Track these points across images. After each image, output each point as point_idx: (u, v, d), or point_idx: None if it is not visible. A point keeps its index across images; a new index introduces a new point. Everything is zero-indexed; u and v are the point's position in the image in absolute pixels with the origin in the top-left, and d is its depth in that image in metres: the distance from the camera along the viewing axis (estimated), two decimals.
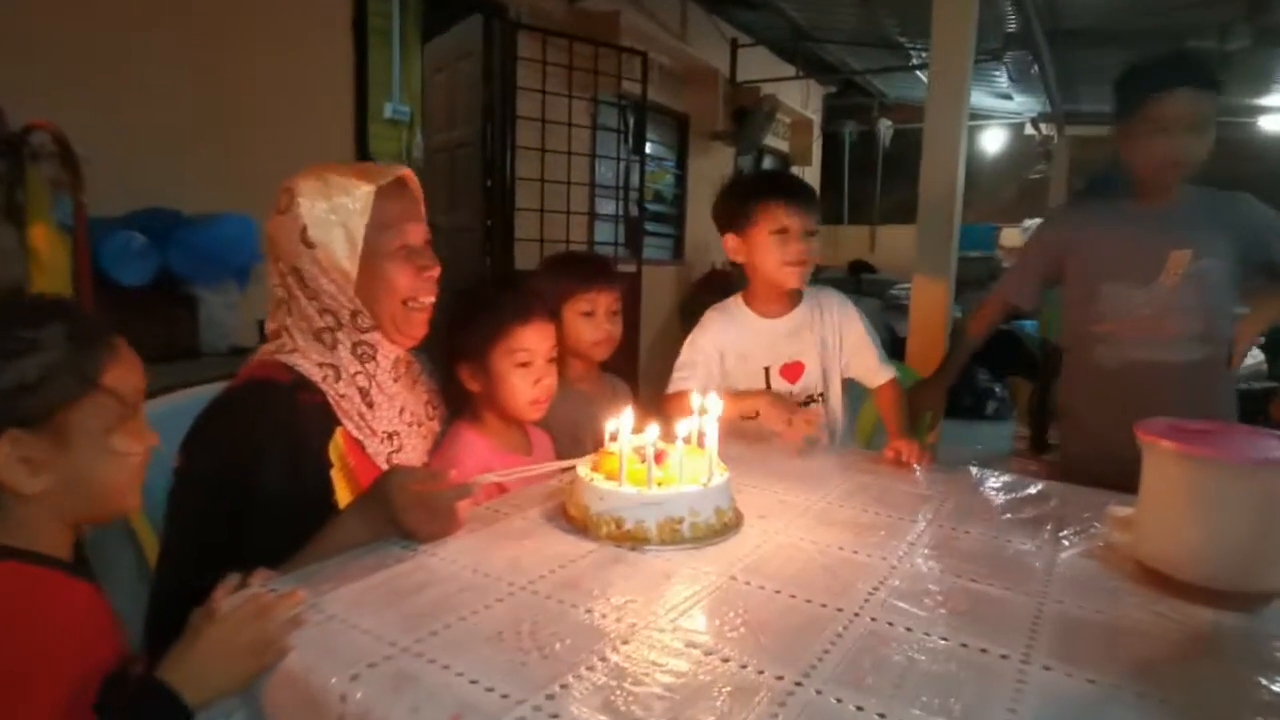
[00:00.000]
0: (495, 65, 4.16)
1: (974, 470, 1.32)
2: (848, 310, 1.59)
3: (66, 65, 2.49)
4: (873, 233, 8.36)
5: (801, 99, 7.21)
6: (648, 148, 5.16)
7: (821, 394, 1.56)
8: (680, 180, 5.99)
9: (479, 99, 4.24)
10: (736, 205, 1.51)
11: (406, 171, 1.08)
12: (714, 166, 6.29)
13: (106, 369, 0.71)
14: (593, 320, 1.47)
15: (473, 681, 0.62)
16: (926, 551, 0.94)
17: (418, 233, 1.07)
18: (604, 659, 0.66)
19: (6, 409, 0.66)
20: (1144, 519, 0.88)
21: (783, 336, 1.54)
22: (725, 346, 1.54)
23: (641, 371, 4.91)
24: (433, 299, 1.09)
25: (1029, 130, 7.36)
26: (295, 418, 0.97)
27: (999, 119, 7.80)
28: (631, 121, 4.95)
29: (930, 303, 2.53)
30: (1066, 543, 0.97)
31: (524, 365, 1.20)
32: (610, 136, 4.79)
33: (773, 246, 1.47)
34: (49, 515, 0.71)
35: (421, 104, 5.97)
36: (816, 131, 7.64)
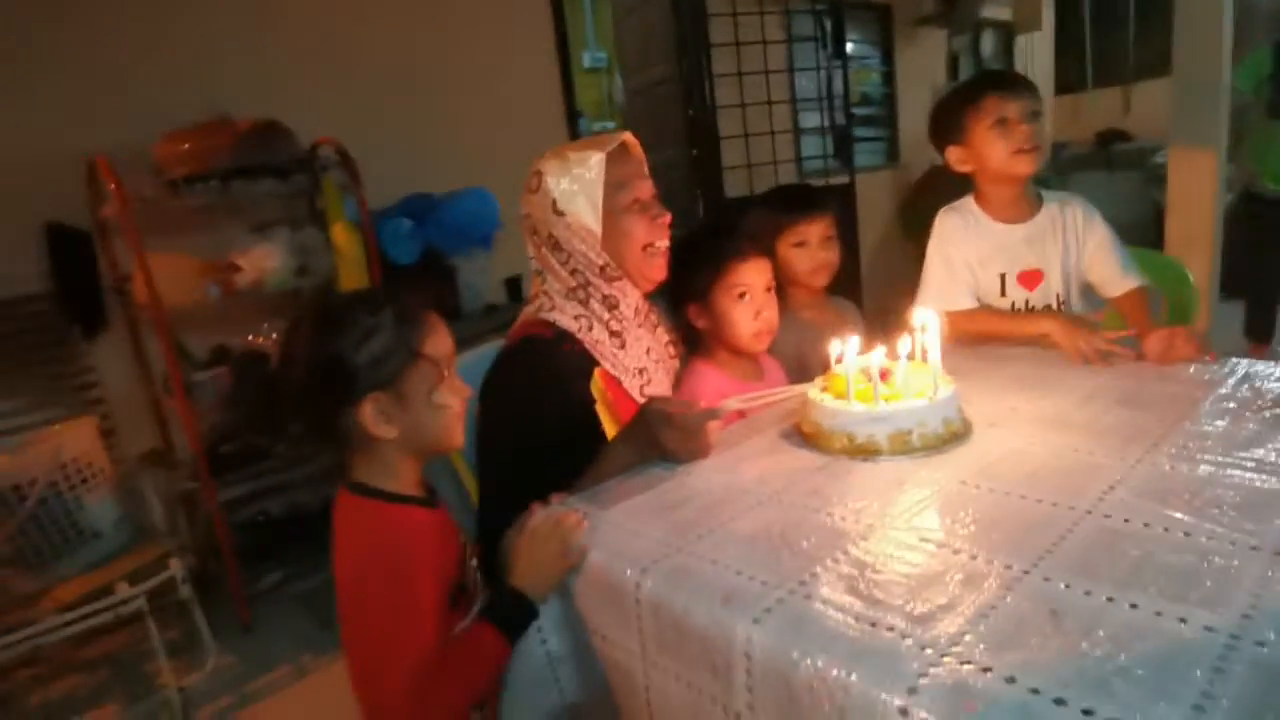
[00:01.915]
0: None
1: (1244, 361, 1.22)
2: (1093, 217, 1.50)
3: (325, 86, 2.92)
4: (1126, 94, 7.24)
5: None
6: (849, 48, 4.90)
7: (1063, 303, 1.51)
8: (887, 78, 5.63)
9: (672, 33, 4.28)
10: (948, 117, 1.49)
11: (628, 136, 1.23)
12: (925, 55, 5.81)
13: (425, 340, 0.93)
14: (806, 250, 1.54)
15: (737, 573, 0.77)
16: (1174, 451, 0.92)
17: (645, 188, 1.23)
18: (846, 553, 0.77)
19: (369, 377, 0.90)
20: None
21: (1021, 243, 1.50)
22: (966, 252, 1.53)
23: (864, 283, 4.80)
24: (667, 243, 1.25)
25: None
26: (561, 365, 1.17)
27: None
28: (828, 25, 4.72)
29: (1193, 175, 2.20)
30: None
31: (742, 298, 1.31)
32: (807, 46, 4.62)
33: (995, 139, 1.43)
34: (402, 455, 0.95)
35: (616, 48, 6.14)
36: None
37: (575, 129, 3.81)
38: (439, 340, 0.95)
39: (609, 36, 6.34)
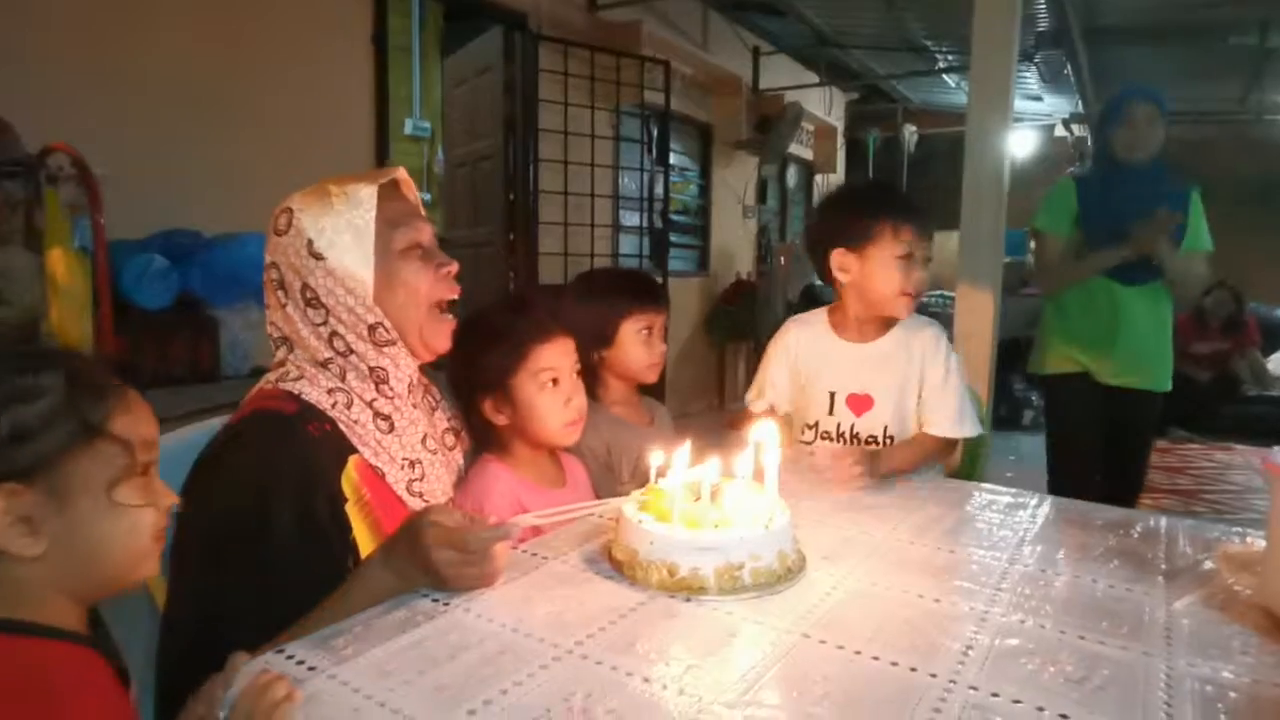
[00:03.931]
0: (516, 78, 4.12)
1: (1049, 499, 1.21)
2: (939, 348, 1.39)
3: (82, 86, 2.46)
4: None
5: (824, 106, 7.12)
6: (671, 159, 5.09)
7: (890, 436, 1.39)
8: (704, 190, 5.92)
9: (500, 112, 4.20)
10: (856, 219, 1.36)
11: (401, 172, 1.02)
12: (737, 176, 6.21)
13: (112, 416, 0.63)
14: (649, 340, 1.39)
15: None
16: (1018, 599, 0.83)
17: (426, 231, 1.00)
18: None
19: (2, 458, 0.58)
20: (1275, 562, 0.78)
21: (859, 363, 1.41)
22: (799, 364, 1.46)
23: (668, 384, 4.82)
24: (457, 297, 1.02)
25: (1060, 132, 7.20)
26: (304, 450, 0.88)
27: (1028, 121, 7.64)
28: (655, 132, 4.88)
29: (977, 313, 2.42)
30: (1178, 587, 0.86)
31: (554, 384, 1.12)
32: (633, 148, 4.73)
33: (894, 272, 1.32)
34: (52, 585, 0.63)
35: (442, 118, 5.96)
36: (840, 138, 7.53)
37: None
38: (135, 422, 0.65)
39: (436, 108, 6.16)
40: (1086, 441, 2.26)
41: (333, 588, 0.82)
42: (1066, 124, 7.04)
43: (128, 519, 0.63)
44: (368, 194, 0.93)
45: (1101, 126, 2.28)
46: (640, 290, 1.42)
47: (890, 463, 1.30)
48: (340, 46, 3.35)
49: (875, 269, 1.34)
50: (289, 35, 3.09)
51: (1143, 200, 2.08)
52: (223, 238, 2.57)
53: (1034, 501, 1.20)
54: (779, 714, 0.61)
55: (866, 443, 1.39)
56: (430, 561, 0.79)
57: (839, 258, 1.37)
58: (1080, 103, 6.10)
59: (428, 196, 6.27)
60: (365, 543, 0.90)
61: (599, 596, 0.82)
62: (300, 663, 0.68)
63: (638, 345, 1.38)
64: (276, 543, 0.82)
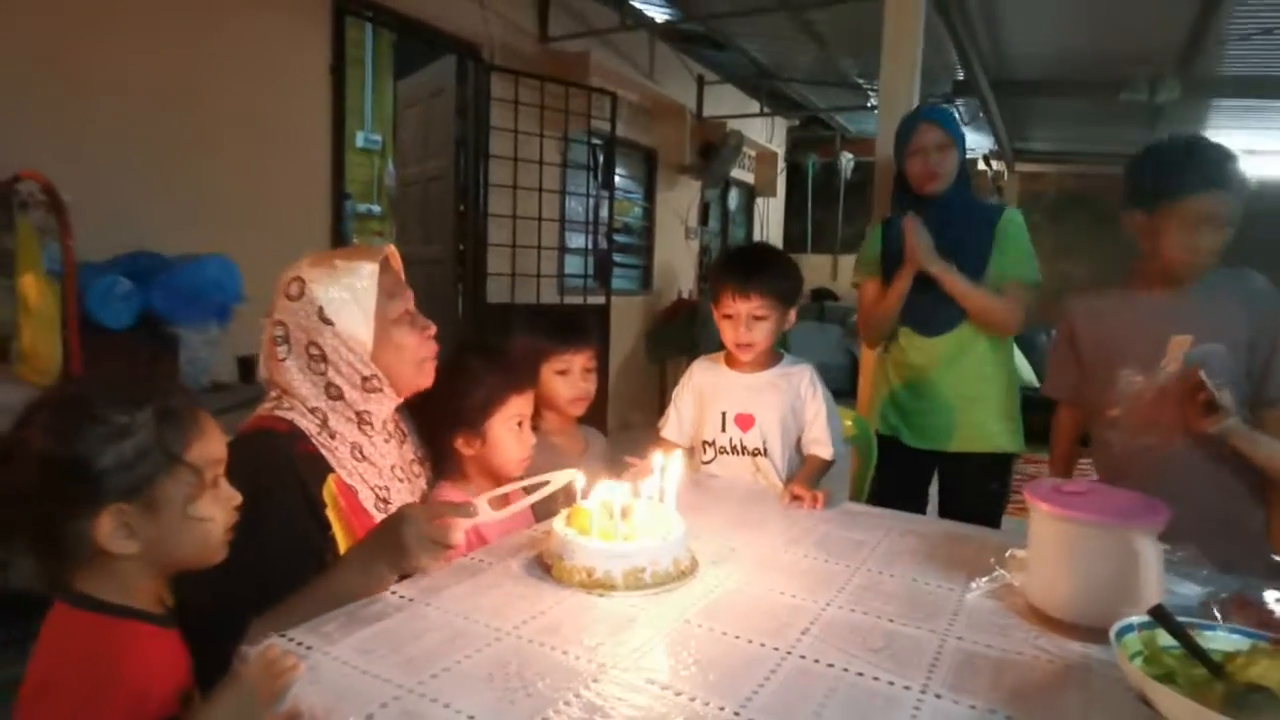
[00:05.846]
0: (469, 104, 4.29)
1: (905, 515, 1.48)
2: (815, 388, 1.70)
3: (47, 115, 2.57)
4: (835, 261, 8.63)
5: (766, 132, 7.47)
6: (616, 182, 5.34)
7: (768, 449, 1.69)
8: (647, 212, 6.17)
9: (452, 133, 4.37)
10: (711, 281, 1.73)
11: (391, 248, 1.24)
12: (681, 199, 6.49)
13: (189, 445, 0.83)
14: (569, 379, 1.61)
15: (470, 717, 0.76)
16: (853, 594, 1.09)
17: (410, 297, 1.24)
18: (578, 695, 0.80)
19: (112, 485, 0.78)
20: (1031, 565, 1.05)
21: (745, 388, 1.72)
22: (699, 391, 1.76)
23: (610, 399, 5.04)
24: (436, 350, 1.26)
25: (981, 166, 7.71)
26: (293, 461, 1.11)
27: None
28: (601, 158, 5.11)
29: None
30: (974, 584, 1.13)
31: (520, 427, 1.37)
32: (580, 172, 4.95)
33: (725, 327, 1.68)
34: (142, 570, 0.83)
35: (393, 133, 6.07)
36: (780, 163, 7.90)
37: (340, 210, 3.67)
38: (208, 444, 0.86)
39: (387, 121, 6.28)
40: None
41: (315, 570, 1.04)
42: (986, 159, 7.54)
43: (202, 527, 0.85)
44: (369, 270, 1.15)
45: (896, 157, 2.06)
46: (557, 334, 1.64)
47: (808, 481, 1.58)
48: (299, 72, 3.47)
49: (719, 323, 1.69)
50: (248, 62, 3.21)
51: (943, 228, 1.93)
52: (184, 259, 2.71)
53: (893, 518, 1.47)
54: (657, 675, 0.84)
55: (754, 454, 1.69)
56: (402, 537, 0.99)
57: (713, 310, 1.71)
58: (995, 141, 6.57)
59: (378, 209, 6.39)
60: (341, 540, 1.11)
61: (532, 594, 1.05)
62: (299, 644, 0.89)
63: (557, 383, 1.61)
64: (273, 534, 1.03)
